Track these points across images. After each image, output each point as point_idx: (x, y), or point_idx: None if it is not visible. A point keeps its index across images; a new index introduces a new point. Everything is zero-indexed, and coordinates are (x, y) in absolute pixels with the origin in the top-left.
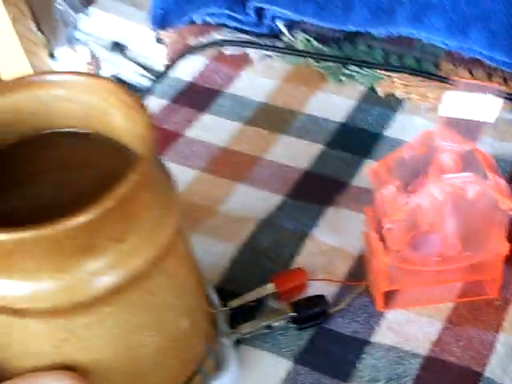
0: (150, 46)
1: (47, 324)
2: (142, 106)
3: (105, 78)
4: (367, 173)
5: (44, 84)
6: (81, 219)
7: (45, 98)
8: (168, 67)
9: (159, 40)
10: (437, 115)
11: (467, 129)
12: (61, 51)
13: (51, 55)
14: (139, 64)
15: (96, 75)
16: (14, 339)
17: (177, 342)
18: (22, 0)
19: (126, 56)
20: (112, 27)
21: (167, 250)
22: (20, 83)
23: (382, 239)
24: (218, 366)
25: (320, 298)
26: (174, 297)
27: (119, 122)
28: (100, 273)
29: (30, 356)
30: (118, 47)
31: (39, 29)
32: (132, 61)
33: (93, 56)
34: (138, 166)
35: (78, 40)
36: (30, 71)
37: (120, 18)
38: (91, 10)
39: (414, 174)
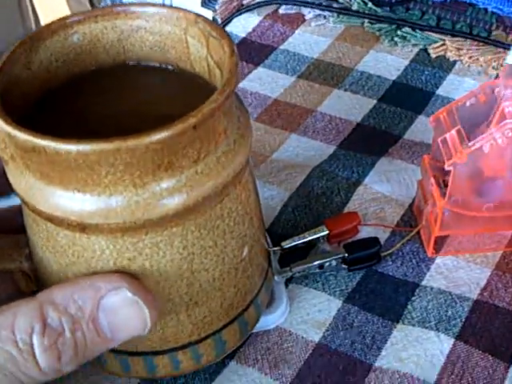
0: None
1: (114, 242)
2: (226, 35)
3: (185, 10)
4: (429, 120)
5: (125, 14)
6: (165, 133)
7: (124, 28)
8: (222, 23)
9: (206, 2)
10: (505, 63)
11: None
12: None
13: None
14: None
15: (176, 7)
16: (78, 258)
17: (237, 270)
18: None
19: None
20: None
21: (238, 177)
22: (104, 13)
23: (439, 185)
24: (270, 302)
25: (373, 241)
26: (239, 224)
27: (200, 52)
28: (174, 191)
29: None
30: None
31: None
32: None
33: None
34: (222, 89)
35: None
36: None
37: None
38: None
39: (475, 122)
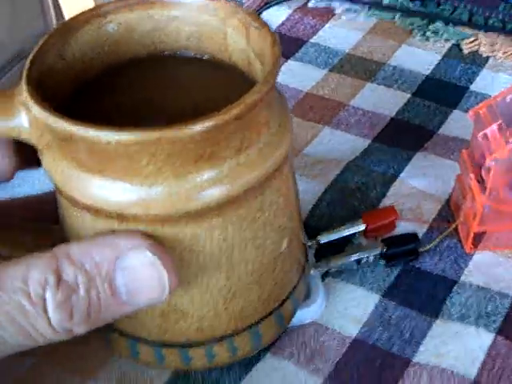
0: None
1: (153, 233)
2: (266, 25)
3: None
4: (468, 114)
5: (161, 4)
6: (207, 123)
7: (160, 18)
8: None
9: None
10: None
11: None
12: None
13: None
14: None
15: None
16: None
17: (276, 264)
18: None
19: None
20: None
21: (279, 168)
22: (139, 2)
23: (479, 180)
24: (306, 296)
25: (412, 236)
26: (279, 216)
27: (239, 42)
28: (215, 183)
29: None
30: None
31: None
32: None
33: None
34: (264, 79)
35: None
36: None
37: None
38: None
39: None
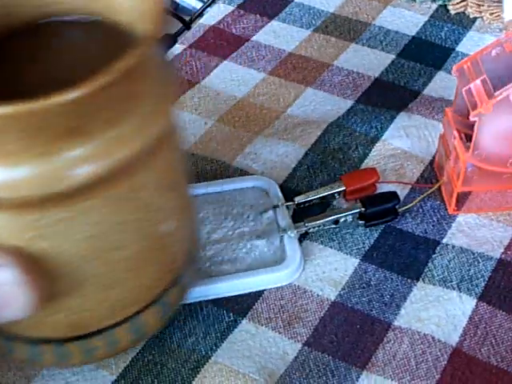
0: None
1: (18, 217)
2: None
3: None
4: (452, 69)
5: None
6: (71, 95)
7: None
8: None
9: None
10: None
11: None
12: None
13: None
14: None
15: None
16: None
17: (156, 247)
18: None
19: None
20: None
21: (159, 145)
22: None
23: (463, 138)
24: (282, 259)
25: (391, 195)
26: (159, 197)
27: (124, 2)
28: (84, 160)
29: None
30: None
31: None
32: None
33: None
34: (140, 43)
35: None
36: None
37: None
38: None
39: (501, 72)
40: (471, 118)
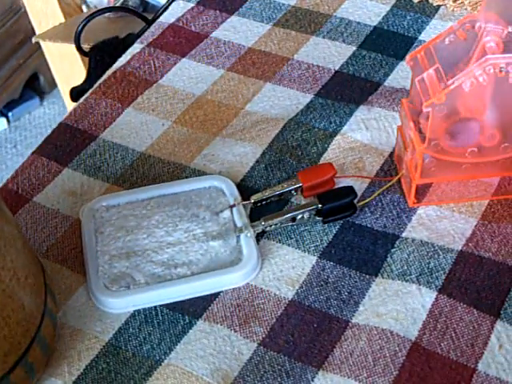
0: None
1: None
2: None
3: None
4: (406, 59)
5: None
6: None
7: None
8: None
9: None
10: None
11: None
12: None
13: None
14: None
15: None
16: None
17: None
18: None
19: None
20: None
21: None
22: None
23: (419, 129)
24: (238, 258)
25: (348, 190)
26: None
27: None
28: None
29: None
30: None
31: None
32: None
33: None
34: None
35: None
36: None
37: None
38: None
39: (455, 60)
40: (424, 109)
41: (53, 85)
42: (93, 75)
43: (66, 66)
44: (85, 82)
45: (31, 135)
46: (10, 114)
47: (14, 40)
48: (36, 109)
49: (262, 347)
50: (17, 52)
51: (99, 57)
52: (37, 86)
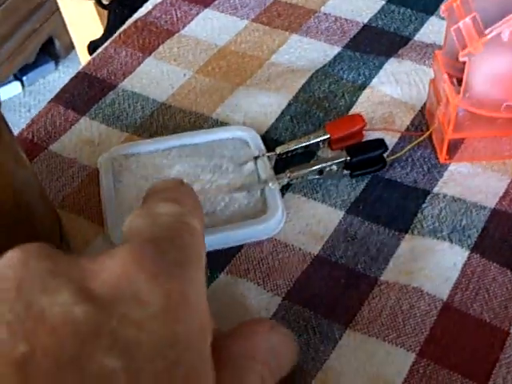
0: None
1: None
2: None
3: None
4: (440, 9)
5: None
6: None
7: None
8: None
9: None
10: None
11: None
12: None
13: None
14: None
15: None
16: None
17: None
18: None
19: None
20: None
21: None
22: None
23: (453, 82)
24: (262, 211)
25: (378, 143)
26: None
27: None
28: None
29: None
30: None
31: None
32: None
33: None
34: None
35: None
36: None
37: None
38: None
39: (493, 9)
40: (460, 59)
41: (68, 49)
42: (112, 29)
43: (84, 23)
44: (103, 35)
45: (45, 99)
46: (24, 78)
47: (29, 4)
48: (51, 73)
49: (286, 301)
50: (32, 16)
51: (119, 10)
52: (52, 50)
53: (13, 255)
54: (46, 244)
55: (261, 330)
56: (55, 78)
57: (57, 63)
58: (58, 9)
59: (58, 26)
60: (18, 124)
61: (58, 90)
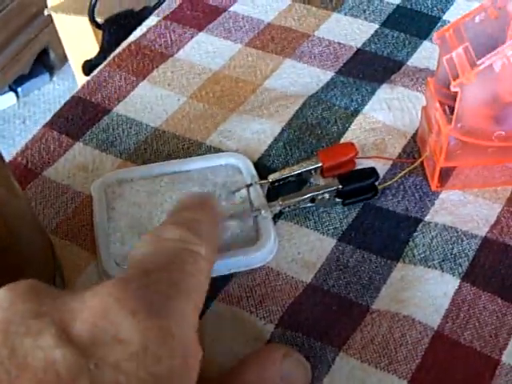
0: None
1: None
2: None
3: None
4: (433, 37)
5: None
6: None
7: None
8: None
9: None
10: None
11: None
12: None
13: None
14: None
15: None
16: None
17: None
18: None
19: None
20: None
21: None
22: None
23: (445, 111)
24: (255, 239)
25: (370, 171)
26: None
27: None
28: None
29: None
30: None
31: None
32: None
33: None
34: None
35: None
36: None
37: None
38: None
39: (485, 40)
40: (452, 89)
41: (63, 60)
42: (106, 49)
43: (78, 40)
44: (98, 55)
45: (40, 111)
46: (19, 90)
47: (25, 14)
48: (45, 84)
49: (279, 328)
50: (28, 26)
51: (113, 30)
52: (47, 61)
53: (0, 296)
54: (35, 280)
55: (274, 358)
56: (50, 90)
57: (51, 74)
58: (52, 20)
59: (52, 37)
60: (12, 136)
61: (52, 101)
